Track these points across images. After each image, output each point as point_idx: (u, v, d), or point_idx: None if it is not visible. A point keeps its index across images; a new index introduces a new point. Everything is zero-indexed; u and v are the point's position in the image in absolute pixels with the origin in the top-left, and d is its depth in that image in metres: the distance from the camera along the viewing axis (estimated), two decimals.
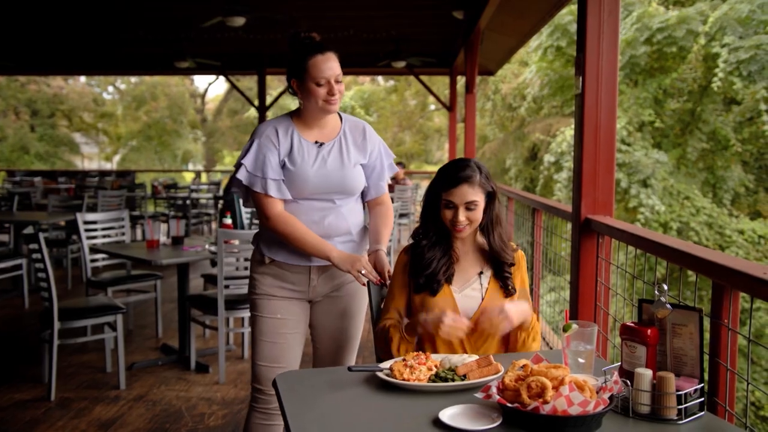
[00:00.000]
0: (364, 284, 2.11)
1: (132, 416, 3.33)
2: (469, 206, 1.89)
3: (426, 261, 1.95)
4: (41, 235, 3.50)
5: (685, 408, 1.39)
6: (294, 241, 2.10)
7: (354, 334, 2.31)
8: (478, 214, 1.92)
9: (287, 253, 2.14)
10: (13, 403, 3.49)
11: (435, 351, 1.91)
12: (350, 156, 2.16)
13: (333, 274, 2.21)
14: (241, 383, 3.78)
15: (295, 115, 2.18)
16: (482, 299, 1.93)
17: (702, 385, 1.43)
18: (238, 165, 2.11)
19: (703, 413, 1.43)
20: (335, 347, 2.29)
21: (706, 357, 1.69)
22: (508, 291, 1.95)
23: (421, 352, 1.68)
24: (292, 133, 2.12)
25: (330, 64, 2.04)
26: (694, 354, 1.46)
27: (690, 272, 2.13)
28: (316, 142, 2.13)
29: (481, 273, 1.96)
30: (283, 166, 2.10)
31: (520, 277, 2.01)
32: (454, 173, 1.91)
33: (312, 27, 2.19)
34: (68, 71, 17.76)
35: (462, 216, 1.89)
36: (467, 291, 1.94)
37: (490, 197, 1.95)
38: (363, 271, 2.04)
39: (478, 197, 1.90)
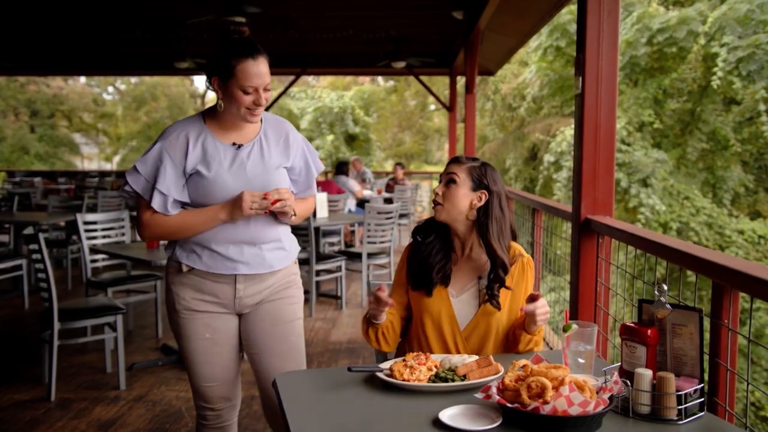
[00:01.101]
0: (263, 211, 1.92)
1: (132, 416, 3.33)
2: (449, 180, 1.90)
3: (424, 253, 1.95)
4: (41, 236, 3.50)
5: (685, 408, 1.39)
6: (180, 231, 1.94)
7: (294, 342, 2.10)
8: (457, 194, 1.88)
9: (209, 260, 1.96)
10: (12, 403, 3.49)
11: (432, 351, 1.91)
12: (272, 158, 1.99)
13: (261, 282, 2.03)
14: (242, 384, 3.77)
15: (209, 116, 1.99)
16: (479, 306, 1.90)
17: (702, 385, 1.43)
18: (134, 165, 1.95)
19: (703, 413, 1.43)
20: (278, 362, 2.07)
21: (706, 357, 1.68)
22: (492, 305, 1.88)
23: (421, 353, 1.68)
24: (204, 138, 1.94)
25: (260, 71, 1.86)
26: (694, 354, 1.46)
27: (690, 272, 2.13)
28: (234, 144, 1.96)
29: (480, 278, 1.92)
30: (195, 173, 1.93)
31: (525, 284, 1.93)
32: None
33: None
34: (68, 71, 17.73)
35: (439, 189, 1.91)
36: (465, 296, 1.92)
37: (488, 194, 1.89)
38: (255, 206, 1.88)
39: (462, 175, 1.89)
